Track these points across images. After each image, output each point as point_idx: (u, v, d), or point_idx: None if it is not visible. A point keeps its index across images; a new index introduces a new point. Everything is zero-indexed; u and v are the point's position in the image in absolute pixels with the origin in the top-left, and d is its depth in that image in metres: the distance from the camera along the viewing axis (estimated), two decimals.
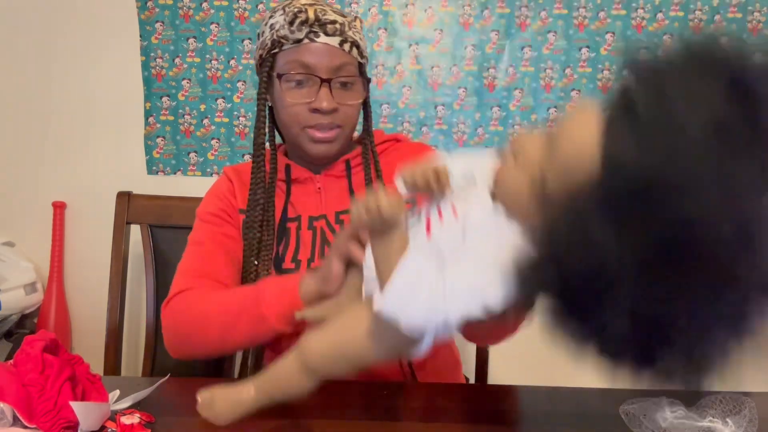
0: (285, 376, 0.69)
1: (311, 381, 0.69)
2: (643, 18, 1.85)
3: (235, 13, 1.86)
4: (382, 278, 0.62)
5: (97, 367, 0.98)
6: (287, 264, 1.04)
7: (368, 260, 0.68)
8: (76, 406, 0.68)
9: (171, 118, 1.91)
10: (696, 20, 1.85)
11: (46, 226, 1.92)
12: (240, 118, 1.90)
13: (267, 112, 1.07)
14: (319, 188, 1.09)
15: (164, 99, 1.90)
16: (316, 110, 0.99)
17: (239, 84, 1.89)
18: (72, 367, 0.74)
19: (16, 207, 1.95)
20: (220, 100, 1.90)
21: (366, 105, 1.09)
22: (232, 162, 1.91)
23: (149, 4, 1.86)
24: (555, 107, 1.89)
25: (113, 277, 1.44)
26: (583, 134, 0.50)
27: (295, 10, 0.98)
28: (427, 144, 1.21)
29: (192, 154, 1.92)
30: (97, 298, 1.74)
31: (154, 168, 1.93)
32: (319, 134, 1.02)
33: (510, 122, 1.90)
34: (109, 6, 1.86)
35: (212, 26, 1.87)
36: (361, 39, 1.04)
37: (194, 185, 1.91)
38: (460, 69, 1.88)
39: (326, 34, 0.98)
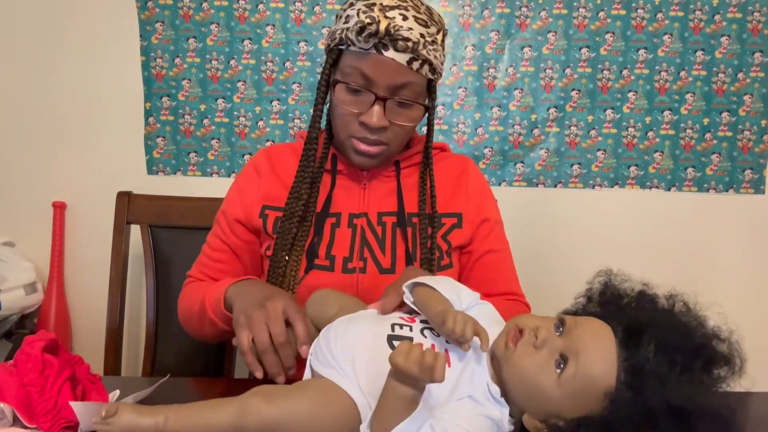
0: (212, 422, 0.63)
1: None
2: (643, 18, 1.85)
3: (235, 13, 1.86)
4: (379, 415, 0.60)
5: (97, 367, 0.98)
6: (321, 260, 1.02)
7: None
8: (75, 406, 0.68)
9: (171, 118, 1.91)
10: (696, 20, 1.85)
11: (46, 226, 1.92)
12: (240, 118, 1.90)
13: (329, 97, 1.02)
14: (365, 184, 1.07)
15: (164, 99, 1.90)
16: (363, 124, 0.96)
17: (239, 84, 1.89)
18: (72, 367, 0.74)
19: (16, 207, 1.95)
20: (220, 100, 1.90)
21: (430, 116, 1.05)
22: (232, 162, 1.91)
23: (149, 4, 1.86)
24: (555, 107, 1.89)
25: (113, 277, 1.44)
26: (604, 366, 0.63)
27: (368, 20, 0.90)
28: (468, 157, 1.19)
29: (192, 154, 1.92)
30: (97, 298, 1.74)
31: (154, 168, 1.93)
32: (362, 147, 0.98)
33: (510, 122, 1.90)
34: (109, 6, 1.86)
35: (212, 26, 1.87)
36: (437, 56, 0.96)
37: (194, 185, 1.91)
38: (460, 69, 1.88)
39: (395, 49, 0.91)
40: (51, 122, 1.92)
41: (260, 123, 1.90)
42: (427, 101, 1.01)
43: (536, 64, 1.87)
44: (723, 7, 1.83)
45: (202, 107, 1.90)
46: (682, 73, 1.87)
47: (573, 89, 1.88)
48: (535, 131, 1.90)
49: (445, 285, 0.76)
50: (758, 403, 0.78)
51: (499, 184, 1.92)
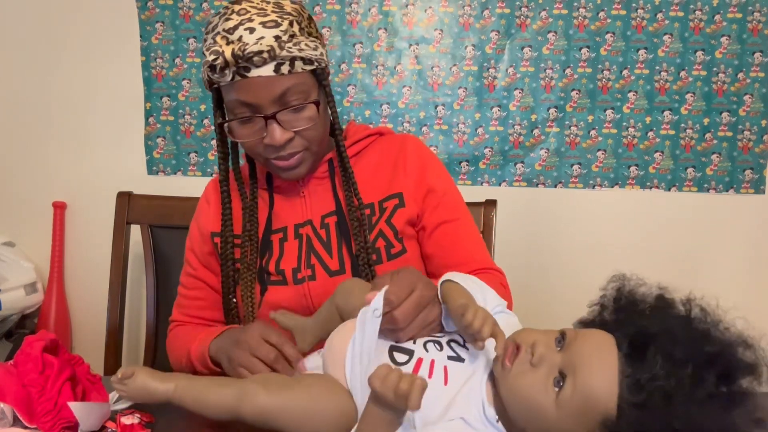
0: (213, 399, 0.67)
1: (232, 418, 0.67)
2: (643, 18, 1.85)
3: None
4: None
5: (97, 367, 0.98)
6: (274, 275, 1.02)
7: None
8: (74, 406, 0.68)
9: (171, 118, 1.91)
10: (696, 20, 1.85)
11: (46, 226, 1.92)
12: None
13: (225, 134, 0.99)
14: (303, 193, 1.05)
15: (164, 99, 1.90)
16: (269, 146, 0.94)
17: None
18: (72, 367, 0.74)
19: (16, 207, 1.95)
20: None
21: (330, 104, 1.01)
22: None
23: (149, 4, 1.86)
24: (555, 107, 1.89)
25: (113, 277, 1.44)
26: (604, 383, 0.59)
27: (213, 56, 0.87)
28: (409, 135, 1.15)
29: (192, 154, 1.92)
30: (97, 298, 1.74)
31: (154, 168, 1.93)
32: (282, 163, 0.96)
33: (510, 122, 1.90)
34: (109, 6, 1.86)
35: None
36: (304, 47, 0.91)
37: (194, 185, 1.90)
38: (460, 69, 1.88)
39: (255, 66, 0.87)
40: (51, 122, 1.92)
41: None
42: (318, 92, 0.97)
43: (536, 64, 1.87)
44: (723, 7, 1.83)
45: (202, 107, 1.90)
46: (682, 73, 1.87)
47: (573, 89, 1.88)
48: (535, 131, 1.90)
49: (472, 285, 0.74)
50: (758, 403, 0.78)
51: (499, 184, 1.92)
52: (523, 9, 1.85)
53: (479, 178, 1.92)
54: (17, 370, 0.70)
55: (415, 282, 0.74)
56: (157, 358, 1.45)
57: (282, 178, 1.01)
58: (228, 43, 0.88)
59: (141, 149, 1.92)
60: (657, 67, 1.87)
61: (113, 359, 1.44)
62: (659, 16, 1.85)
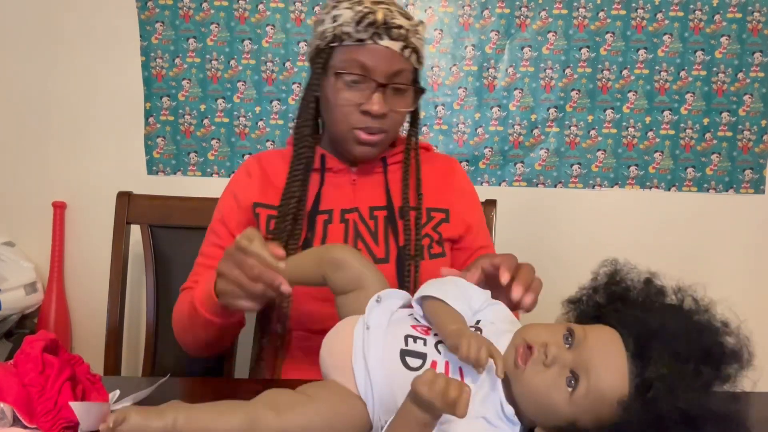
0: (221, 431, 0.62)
1: None
2: (643, 18, 1.85)
3: (235, 13, 1.86)
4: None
5: (97, 367, 0.98)
6: None
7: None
8: (75, 406, 0.68)
9: (171, 118, 1.91)
10: (696, 20, 1.85)
11: (46, 226, 1.92)
12: (240, 118, 1.90)
13: (315, 103, 1.06)
14: (354, 180, 1.09)
15: (164, 99, 1.90)
16: (366, 113, 0.99)
17: (239, 84, 1.89)
18: (72, 367, 0.74)
19: (16, 207, 1.95)
20: (220, 100, 1.90)
21: (416, 111, 1.10)
22: (232, 162, 1.91)
23: (149, 4, 1.86)
24: (555, 107, 1.89)
25: (113, 277, 1.44)
26: (616, 383, 0.62)
27: (365, 10, 0.96)
28: (452, 157, 1.23)
29: (192, 154, 1.92)
30: (97, 298, 1.74)
31: (154, 168, 1.93)
32: (365, 136, 1.01)
33: (510, 122, 1.90)
34: (109, 6, 1.86)
35: (212, 26, 1.87)
36: (422, 46, 1.03)
37: (194, 185, 1.91)
38: (460, 69, 1.88)
39: (390, 37, 0.97)
40: (51, 122, 1.92)
41: (260, 123, 1.90)
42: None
43: (536, 64, 1.87)
44: (723, 7, 1.84)
45: (202, 107, 1.90)
46: (682, 73, 1.87)
47: (573, 89, 1.88)
48: (535, 131, 1.90)
49: (454, 294, 0.72)
50: (759, 403, 0.78)
51: (499, 184, 1.92)
52: (523, 9, 1.85)
53: (479, 178, 1.92)
54: (17, 370, 0.70)
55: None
56: (157, 358, 1.45)
57: (354, 154, 1.04)
58: (380, 6, 0.97)
59: (141, 149, 1.92)
60: (657, 67, 1.87)
61: (113, 359, 1.44)
62: (659, 16, 1.85)
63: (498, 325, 0.71)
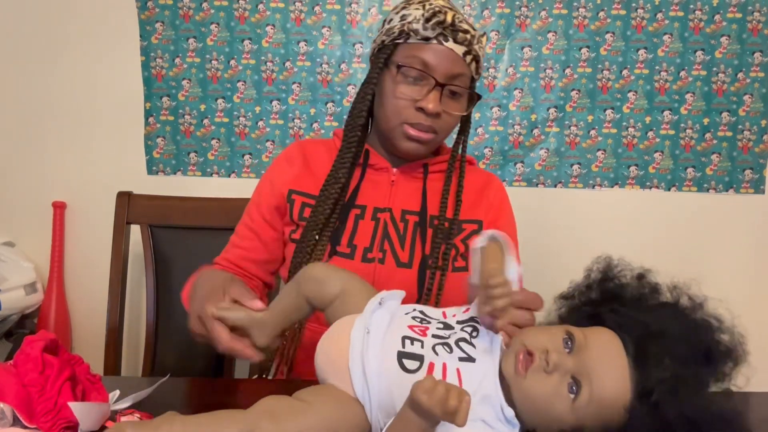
0: None
1: None
2: (643, 18, 1.85)
3: (235, 13, 1.86)
4: None
5: (97, 367, 0.98)
6: (342, 248, 1.05)
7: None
8: (75, 406, 0.68)
9: (171, 118, 1.91)
10: (696, 20, 1.85)
11: (46, 226, 1.92)
12: (240, 118, 1.90)
13: (371, 97, 1.07)
14: (393, 181, 1.10)
15: (164, 99, 1.90)
16: (420, 109, 1.00)
17: (239, 84, 1.89)
18: (72, 367, 0.74)
19: (16, 207, 1.95)
20: (220, 100, 1.90)
21: (467, 121, 1.11)
22: (232, 162, 1.91)
23: (149, 4, 1.86)
24: (555, 107, 1.89)
25: (113, 277, 1.44)
26: (618, 388, 0.62)
27: (435, 9, 0.99)
28: (493, 174, 1.23)
29: (192, 154, 1.92)
30: (97, 298, 1.74)
31: (154, 168, 1.93)
32: (414, 132, 1.02)
33: (510, 122, 1.90)
34: (109, 6, 1.86)
35: (212, 26, 1.87)
36: (483, 56, 1.05)
37: (194, 185, 1.91)
38: None
39: (455, 40, 0.99)
40: (51, 122, 1.92)
41: (260, 123, 1.90)
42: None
43: (536, 64, 1.87)
44: (723, 7, 1.84)
45: (202, 107, 1.90)
46: (682, 73, 1.87)
47: (573, 89, 1.88)
48: (535, 131, 1.90)
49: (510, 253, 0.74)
50: (758, 403, 0.78)
51: None
52: (523, 9, 1.85)
53: None
54: (17, 370, 0.70)
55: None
56: (157, 358, 1.45)
57: (401, 149, 1.05)
58: (449, 9, 1.00)
59: (141, 149, 1.92)
60: (657, 67, 1.87)
61: (113, 359, 1.44)
62: (659, 16, 1.85)
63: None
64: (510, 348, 0.67)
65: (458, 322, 0.72)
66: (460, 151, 1.13)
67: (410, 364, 0.66)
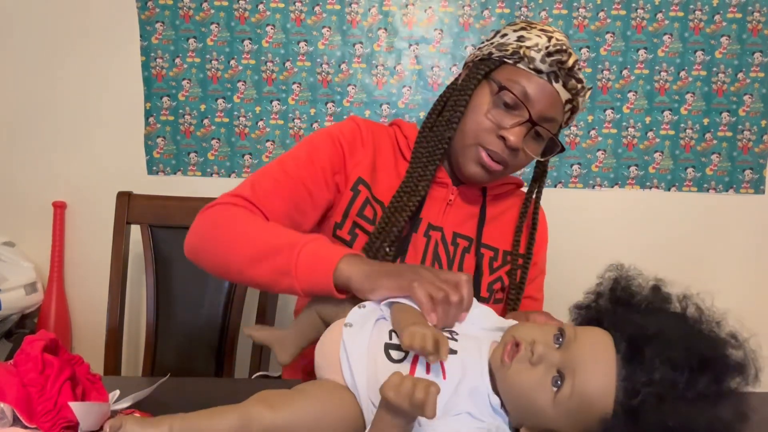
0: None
1: None
2: (643, 18, 1.85)
3: (235, 13, 1.86)
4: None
5: (97, 367, 0.98)
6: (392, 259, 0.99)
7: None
8: (75, 406, 0.68)
9: (171, 118, 1.91)
10: (696, 20, 1.85)
11: (46, 226, 1.92)
12: (240, 118, 1.90)
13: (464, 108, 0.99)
14: (451, 200, 1.05)
15: (164, 99, 1.90)
16: (502, 138, 0.95)
17: (239, 84, 1.89)
18: (72, 367, 0.74)
19: (16, 207, 1.95)
20: (220, 100, 1.90)
21: (544, 169, 1.09)
22: (232, 162, 1.91)
23: (149, 4, 1.86)
24: None
25: (113, 277, 1.44)
26: (602, 385, 0.61)
27: (560, 46, 0.93)
28: (540, 206, 1.16)
29: (192, 154, 1.92)
30: (97, 298, 1.74)
31: (154, 168, 1.93)
32: (486, 159, 0.97)
33: None
34: (109, 6, 1.86)
35: (212, 26, 1.87)
36: (581, 110, 1.02)
37: (194, 185, 1.91)
38: (459, 69, 1.87)
39: (565, 85, 0.95)
40: (51, 122, 1.92)
41: (260, 123, 1.90)
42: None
43: None
44: (723, 7, 1.83)
45: (202, 107, 1.90)
46: (682, 73, 1.87)
47: None
48: None
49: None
50: (758, 403, 0.78)
51: None
52: (523, 9, 1.85)
53: None
54: (17, 369, 0.70)
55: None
56: (157, 358, 1.45)
57: (466, 171, 0.99)
58: (572, 53, 0.95)
59: (141, 149, 1.92)
60: (657, 67, 1.87)
61: (113, 359, 1.44)
62: (659, 16, 1.85)
63: (481, 328, 0.71)
64: (501, 340, 0.68)
65: None
66: (534, 195, 1.10)
67: (396, 354, 0.67)
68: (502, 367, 0.64)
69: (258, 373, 1.22)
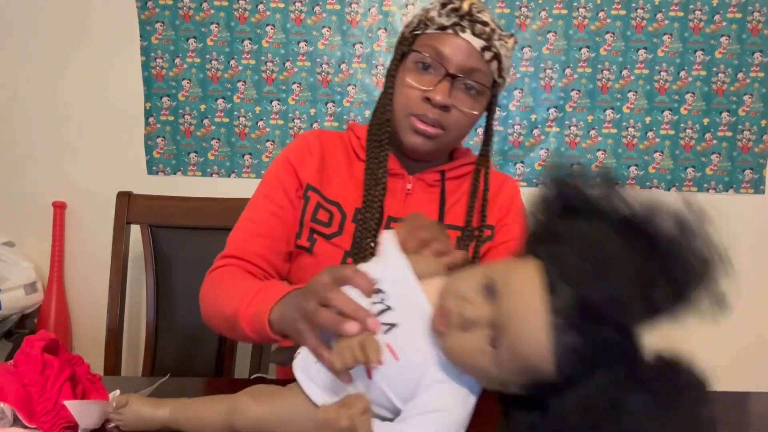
0: (207, 417, 0.69)
1: None
2: (642, 18, 1.85)
3: (235, 13, 1.86)
4: None
5: (97, 367, 0.98)
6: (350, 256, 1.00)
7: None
8: (71, 405, 0.68)
9: (171, 118, 1.91)
10: (696, 20, 1.85)
11: (46, 226, 1.92)
12: (240, 118, 1.90)
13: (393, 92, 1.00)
14: (408, 190, 1.04)
15: (164, 99, 1.90)
16: (427, 100, 0.94)
17: (239, 84, 1.89)
18: (72, 367, 0.74)
19: (16, 207, 1.95)
20: (220, 100, 1.90)
21: (489, 129, 1.07)
22: (232, 162, 1.91)
23: (149, 4, 1.86)
24: (555, 107, 1.89)
25: (113, 277, 1.44)
26: (536, 349, 0.53)
27: None
28: (509, 176, 1.18)
29: (192, 154, 1.92)
30: (97, 298, 1.74)
31: (154, 168, 1.93)
32: (419, 124, 0.96)
33: (510, 122, 1.90)
34: (109, 6, 1.86)
35: (212, 26, 1.87)
36: (506, 57, 0.98)
37: (194, 185, 1.91)
38: None
39: (473, 32, 0.94)
40: (51, 122, 1.92)
41: (260, 123, 1.90)
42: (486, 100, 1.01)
43: (536, 64, 1.87)
44: (723, 7, 1.84)
45: (202, 107, 1.90)
46: (682, 73, 1.87)
47: (573, 89, 1.88)
48: (535, 131, 1.90)
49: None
50: (758, 403, 0.78)
51: None
52: (523, 9, 1.85)
53: None
54: (17, 370, 0.70)
55: None
56: (157, 358, 1.45)
57: (406, 143, 0.99)
58: (467, 2, 0.95)
59: (141, 149, 1.92)
60: (657, 67, 1.87)
61: (113, 359, 1.44)
62: (659, 16, 1.85)
63: (405, 278, 0.66)
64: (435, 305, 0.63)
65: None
66: (485, 163, 1.08)
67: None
68: (441, 338, 0.60)
69: (255, 375, 1.22)
